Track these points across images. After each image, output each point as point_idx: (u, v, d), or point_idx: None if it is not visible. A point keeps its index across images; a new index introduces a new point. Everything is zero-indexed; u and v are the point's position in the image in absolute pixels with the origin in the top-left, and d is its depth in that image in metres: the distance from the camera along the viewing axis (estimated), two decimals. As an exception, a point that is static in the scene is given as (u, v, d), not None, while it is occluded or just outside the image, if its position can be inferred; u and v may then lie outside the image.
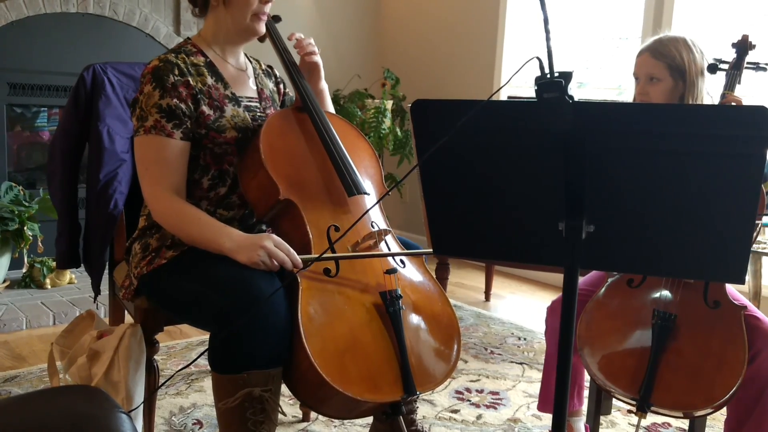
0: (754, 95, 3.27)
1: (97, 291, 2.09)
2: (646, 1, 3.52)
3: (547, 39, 0.94)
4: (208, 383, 2.41)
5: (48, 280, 3.34)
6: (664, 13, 3.45)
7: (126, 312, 1.99)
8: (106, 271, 2.06)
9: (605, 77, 3.86)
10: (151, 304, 1.73)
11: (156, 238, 1.72)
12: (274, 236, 1.57)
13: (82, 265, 2.11)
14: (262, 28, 1.76)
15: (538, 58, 0.98)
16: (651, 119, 0.98)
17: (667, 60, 1.83)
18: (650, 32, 3.47)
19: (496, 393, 2.47)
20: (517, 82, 3.89)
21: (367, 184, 1.75)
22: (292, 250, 1.55)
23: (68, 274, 3.41)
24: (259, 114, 1.80)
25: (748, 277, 2.95)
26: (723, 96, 1.83)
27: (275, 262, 1.53)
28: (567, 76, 0.97)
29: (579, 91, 3.94)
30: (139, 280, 1.70)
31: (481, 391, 2.48)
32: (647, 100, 1.86)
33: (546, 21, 0.93)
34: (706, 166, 0.98)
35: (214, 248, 1.59)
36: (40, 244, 3.29)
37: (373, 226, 1.68)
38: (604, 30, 3.88)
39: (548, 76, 0.97)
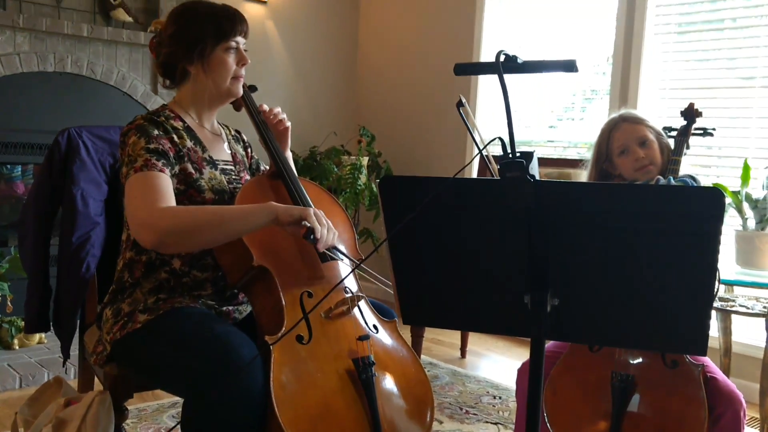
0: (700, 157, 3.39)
1: (66, 355, 2.06)
2: (614, 57, 3.65)
3: (509, 123, 0.98)
4: (178, 448, 2.36)
5: (16, 341, 3.27)
6: (632, 71, 3.57)
7: (96, 377, 1.96)
8: (77, 333, 2.03)
9: (573, 134, 3.96)
10: (122, 370, 1.71)
11: (128, 303, 1.71)
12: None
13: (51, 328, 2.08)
14: (240, 90, 1.82)
15: (500, 138, 1.01)
16: (608, 198, 1.02)
17: (644, 122, 1.91)
18: (618, 88, 3.59)
19: (472, 455, 2.45)
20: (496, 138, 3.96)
21: (341, 249, 1.77)
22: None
23: (38, 335, 3.35)
24: (234, 177, 1.83)
25: (719, 334, 2.98)
26: (671, 162, 1.89)
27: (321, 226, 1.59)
28: (528, 156, 1.01)
29: (545, 148, 4.02)
30: (111, 345, 1.69)
31: (457, 453, 2.46)
32: (648, 164, 1.88)
33: (507, 106, 0.97)
34: (664, 243, 1.02)
35: (254, 226, 1.58)
36: (9, 303, 3.24)
37: (346, 292, 1.69)
38: (574, 86, 3.99)
39: (511, 156, 1.01)
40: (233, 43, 1.76)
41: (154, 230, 1.54)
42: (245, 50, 1.80)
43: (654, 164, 1.90)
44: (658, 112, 3.46)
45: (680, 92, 3.45)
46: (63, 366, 2.17)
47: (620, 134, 1.92)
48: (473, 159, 1.16)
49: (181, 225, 1.55)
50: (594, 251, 1.05)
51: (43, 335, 3.38)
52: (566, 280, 1.09)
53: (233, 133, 1.99)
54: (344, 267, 1.75)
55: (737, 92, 3.30)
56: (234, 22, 1.76)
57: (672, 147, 1.93)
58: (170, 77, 1.82)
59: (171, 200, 1.61)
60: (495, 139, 1.03)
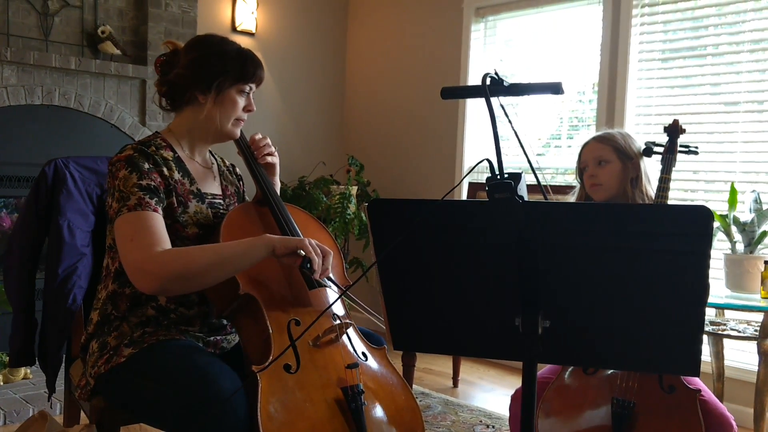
0: (687, 182, 3.40)
1: (52, 389, 2.02)
2: (599, 85, 3.69)
3: (497, 145, 0.98)
4: (166, 484, 2.31)
5: (1, 377, 3.21)
6: (617, 98, 3.60)
7: (82, 411, 1.92)
8: (63, 366, 2.00)
9: (560, 161, 3.98)
10: (108, 403, 1.68)
11: (114, 336, 1.68)
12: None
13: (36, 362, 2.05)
14: (238, 133, 1.81)
15: (488, 160, 1.01)
16: (597, 218, 1.02)
17: (611, 143, 1.94)
18: (604, 115, 3.62)
19: (466, 485, 2.41)
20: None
21: (331, 276, 1.75)
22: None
23: (23, 370, 3.29)
24: (222, 211, 1.80)
25: (711, 359, 2.97)
26: (661, 180, 1.90)
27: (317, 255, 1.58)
28: (516, 178, 1.01)
29: (533, 176, 4.04)
30: (96, 379, 1.65)
31: (450, 484, 2.42)
32: (597, 183, 1.93)
33: (494, 128, 0.97)
34: (653, 263, 1.01)
35: (253, 261, 1.56)
36: (-7, 338, 3.18)
37: (334, 319, 1.67)
38: (560, 113, 4.03)
39: (499, 177, 1.00)
40: (248, 88, 1.76)
41: (155, 277, 1.52)
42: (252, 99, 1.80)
43: (603, 185, 1.93)
44: (643, 138, 3.49)
45: (665, 118, 3.48)
46: (48, 400, 2.13)
47: (585, 151, 2.00)
48: (462, 180, 1.15)
49: (183, 269, 1.53)
50: (584, 272, 1.05)
51: (28, 371, 3.32)
52: (557, 301, 1.08)
53: (227, 164, 1.98)
54: (332, 294, 1.74)
55: (722, 117, 3.34)
56: (257, 67, 1.77)
57: (660, 166, 1.95)
58: (171, 99, 1.79)
59: (166, 242, 1.59)
60: (483, 160, 1.03)
